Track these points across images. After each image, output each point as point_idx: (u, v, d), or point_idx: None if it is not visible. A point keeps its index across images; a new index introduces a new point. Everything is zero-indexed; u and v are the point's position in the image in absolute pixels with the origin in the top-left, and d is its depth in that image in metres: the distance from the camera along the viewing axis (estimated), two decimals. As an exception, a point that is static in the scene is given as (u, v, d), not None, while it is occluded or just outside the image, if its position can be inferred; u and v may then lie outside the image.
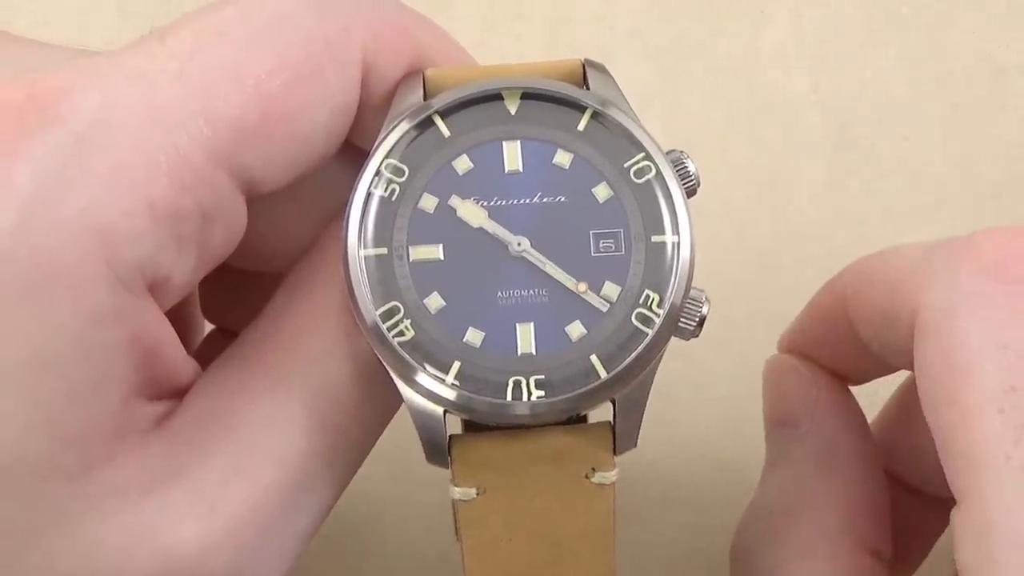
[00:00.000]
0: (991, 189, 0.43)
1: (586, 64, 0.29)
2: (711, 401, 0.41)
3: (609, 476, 0.27)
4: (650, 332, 0.27)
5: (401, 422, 0.28)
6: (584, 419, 0.28)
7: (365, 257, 0.27)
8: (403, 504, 0.41)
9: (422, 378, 0.26)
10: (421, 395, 0.27)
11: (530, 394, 0.26)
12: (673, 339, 0.28)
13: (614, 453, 0.27)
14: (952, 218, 0.43)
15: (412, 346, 0.27)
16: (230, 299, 0.33)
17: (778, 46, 0.45)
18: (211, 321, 0.35)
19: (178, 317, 0.31)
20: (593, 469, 0.27)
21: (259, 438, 0.26)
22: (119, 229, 0.24)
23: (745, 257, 0.43)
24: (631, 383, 0.27)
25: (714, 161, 0.44)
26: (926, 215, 0.43)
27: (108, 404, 0.25)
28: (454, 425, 0.28)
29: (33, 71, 0.25)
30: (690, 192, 0.28)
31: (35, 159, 0.24)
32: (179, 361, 0.27)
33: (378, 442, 0.29)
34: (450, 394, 0.26)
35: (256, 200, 0.27)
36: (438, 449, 0.27)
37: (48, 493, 0.25)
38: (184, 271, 0.26)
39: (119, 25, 0.43)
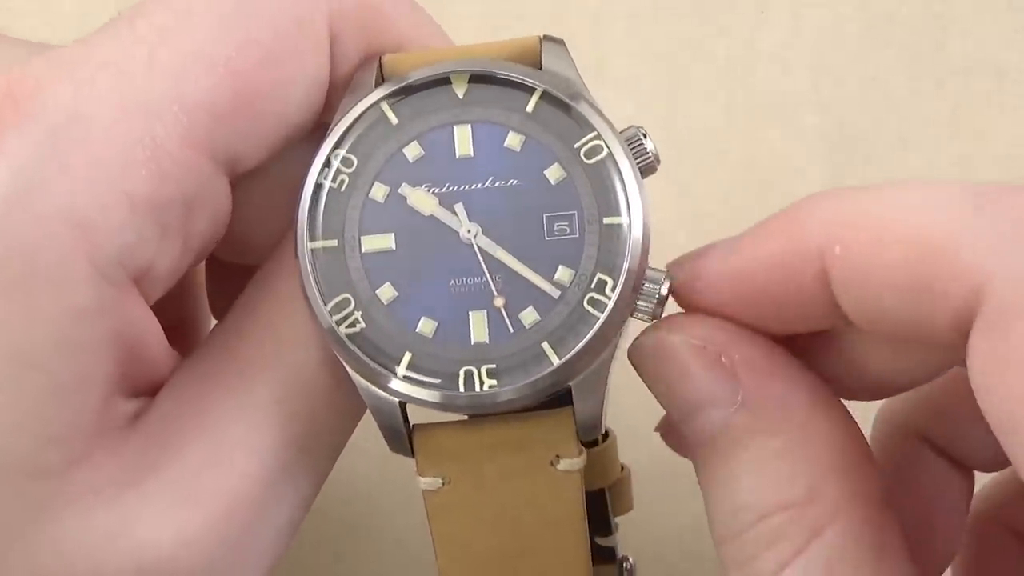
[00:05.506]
0: (991, 189, 0.43)
1: (543, 39, 0.28)
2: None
3: (575, 463, 0.27)
4: (601, 316, 0.26)
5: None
6: (558, 404, 0.27)
7: (313, 250, 0.27)
8: (398, 502, 0.41)
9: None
10: (375, 386, 0.26)
11: (482, 383, 0.26)
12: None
13: (579, 440, 0.27)
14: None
15: (362, 338, 0.26)
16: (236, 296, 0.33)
17: (778, 46, 0.44)
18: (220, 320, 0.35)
19: (182, 316, 0.32)
20: (558, 456, 0.27)
21: (232, 430, 0.26)
22: (98, 223, 0.24)
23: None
24: (586, 369, 0.26)
25: (713, 161, 0.44)
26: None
27: (91, 401, 0.25)
28: (420, 415, 0.27)
29: (4, 65, 0.25)
30: (648, 170, 0.27)
31: (11, 155, 0.24)
32: (162, 355, 0.27)
33: (374, 440, 0.29)
34: (401, 386, 0.26)
35: (239, 181, 0.27)
36: (398, 438, 0.27)
37: (31, 491, 0.25)
38: (169, 260, 0.26)
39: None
